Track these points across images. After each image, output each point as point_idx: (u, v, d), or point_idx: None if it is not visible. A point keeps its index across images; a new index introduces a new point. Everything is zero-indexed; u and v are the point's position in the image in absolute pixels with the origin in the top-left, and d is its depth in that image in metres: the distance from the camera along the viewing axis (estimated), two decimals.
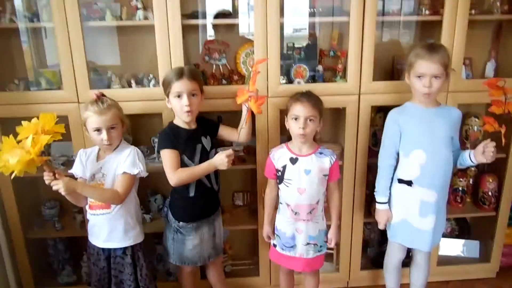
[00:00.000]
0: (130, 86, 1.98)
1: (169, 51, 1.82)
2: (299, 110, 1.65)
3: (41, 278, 2.20)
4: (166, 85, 1.71)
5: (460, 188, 2.29)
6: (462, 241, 2.42)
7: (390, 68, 2.23)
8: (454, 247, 2.42)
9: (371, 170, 2.09)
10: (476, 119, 2.22)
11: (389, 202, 1.85)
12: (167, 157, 1.69)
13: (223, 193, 1.99)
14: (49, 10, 1.82)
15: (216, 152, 1.75)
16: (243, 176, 2.32)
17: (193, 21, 1.98)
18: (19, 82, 1.96)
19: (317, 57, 2.13)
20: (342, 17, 2.02)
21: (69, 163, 1.98)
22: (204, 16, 2.06)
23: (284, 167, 1.72)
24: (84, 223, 2.04)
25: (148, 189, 2.24)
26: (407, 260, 1.99)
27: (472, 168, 2.30)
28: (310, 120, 1.65)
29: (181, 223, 1.79)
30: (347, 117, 1.98)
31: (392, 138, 1.78)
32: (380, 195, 1.84)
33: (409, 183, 1.76)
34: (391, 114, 1.79)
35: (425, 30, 2.16)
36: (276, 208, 1.86)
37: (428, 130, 1.70)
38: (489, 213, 2.26)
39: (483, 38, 2.22)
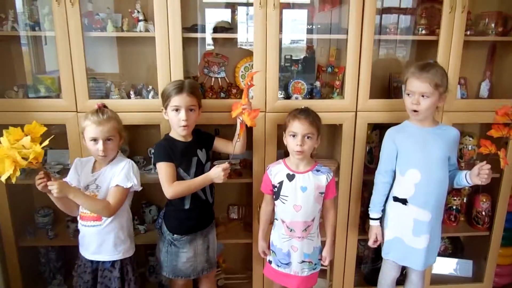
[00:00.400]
0: (129, 97, 1.99)
1: (169, 63, 1.83)
2: (297, 127, 1.66)
3: (31, 287, 2.17)
4: (165, 98, 1.71)
5: (454, 207, 2.30)
6: (455, 260, 2.43)
7: (387, 85, 2.26)
8: (447, 266, 2.42)
9: (367, 187, 2.10)
10: (471, 139, 2.25)
11: (383, 219, 1.86)
12: (163, 170, 1.69)
13: (218, 206, 1.99)
14: (50, 19, 1.84)
15: (212, 165, 1.76)
16: (238, 190, 2.32)
17: (193, 34, 2.00)
18: (18, 89, 1.96)
19: (314, 71, 2.16)
20: (340, 35, 2.05)
21: (64, 171, 1.97)
22: (204, 30, 2.09)
23: (281, 183, 1.73)
24: (77, 232, 2.02)
25: (143, 200, 2.23)
26: (402, 278, 1.99)
27: (466, 187, 2.31)
28: (308, 137, 1.66)
29: (175, 235, 1.79)
30: (343, 134, 1.99)
31: (388, 156, 1.80)
32: (372, 211, 1.85)
33: (404, 201, 1.77)
34: (389, 132, 1.81)
35: (422, 49, 2.20)
36: (271, 223, 1.86)
37: (423, 150, 1.72)
38: (483, 233, 2.27)
39: (478, 58, 2.27)
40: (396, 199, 1.80)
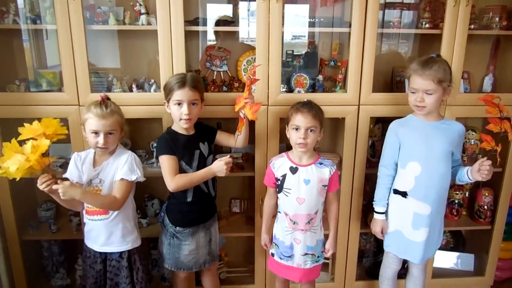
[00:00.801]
0: (131, 90, 1.99)
1: (171, 56, 1.82)
2: (300, 120, 1.65)
3: (35, 280, 2.18)
4: (168, 92, 1.71)
5: (456, 201, 2.30)
6: (457, 254, 2.43)
7: (390, 79, 2.25)
8: (448, 259, 2.43)
9: (369, 180, 2.10)
10: (474, 133, 2.24)
11: (386, 211, 1.85)
12: (166, 163, 1.69)
13: (220, 200, 1.99)
14: (52, 12, 1.83)
15: (214, 159, 1.76)
16: (241, 183, 2.32)
17: (195, 28, 1.99)
18: (20, 83, 1.96)
19: (317, 66, 2.15)
20: (343, 28, 2.04)
21: (66, 165, 1.96)
22: (206, 23, 2.08)
23: (284, 176, 1.73)
24: (80, 226, 2.04)
25: (145, 194, 2.24)
26: (403, 271, 1.99)
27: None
28: (311, 130, 1.66)
29: (177, 228, 1.79)
30: (346, 128, 1.99)
31: (391, 149, 1.79)
32: (377, 205, 1.85)
33: (404, 194, 1.77)
34: (392, 125, 1.81)
35: (425, 42, 2.19)
36: (274, 216, 1.86)
37: (425, 144, 1.71)
38: (485, 227, 2.27)
39: (482, 52, 2.26)
40: (396, 191, 1.80)
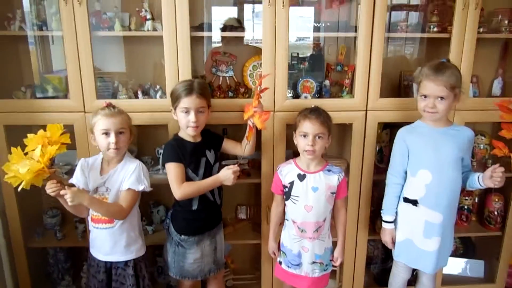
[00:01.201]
0: (136, 96, 1.98)
1: (177, 62, 1.81)
2: (308, 127, 1.63)
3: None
4: (175, 99, 1.70)
5: (466, 207, 2.27)
6: (466, 260, 2.40)
7: (397, 84, 2.22)
8: (458, 266, 2.39)
9: (377, 187, 2.07)
10: (483, 137, 2.21)
11: (395, 220, 1.82)
12: (172, 171, 1.68)
13: (226, 206, 1.97)
14: (58, 18, 1.82)
15: (220, 167, 1.74)
16: (247, 190, 2.30)
17: (200, 33, 1.98)
18: (26, 90, 1.96)
19: (323, 69, 2.13)
20: (349, 33, 2.02)
21: (72, 172, 1.94)
22: (211, 28, 2.07)
23: (292, 183, 1.71)
24: (85, 233, 2.02)
25: (150, 200, 2.22)
26: (412, 279, 1.96)
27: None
28: (319, 137, 1.64)
29: (182, 236, 1.77)
30: (353, 133, 1.97)
31: (400, 157, 1.76)
32: (385, 214, 1.82)
33: (414, 202, 1.74)
34: (400, 132, 1.78)
35: (433, 46, 2.16)
36: (281, 224, 1.84)
37: (435, 150, 1.68)
38: (495, 233, 2.24)
39: (491, 56, 2.23)
40: (406, 200, 1.77)
